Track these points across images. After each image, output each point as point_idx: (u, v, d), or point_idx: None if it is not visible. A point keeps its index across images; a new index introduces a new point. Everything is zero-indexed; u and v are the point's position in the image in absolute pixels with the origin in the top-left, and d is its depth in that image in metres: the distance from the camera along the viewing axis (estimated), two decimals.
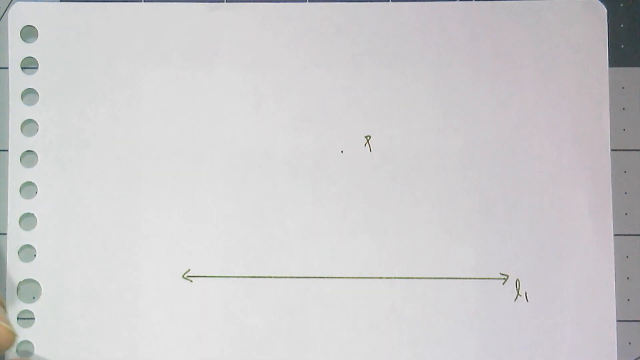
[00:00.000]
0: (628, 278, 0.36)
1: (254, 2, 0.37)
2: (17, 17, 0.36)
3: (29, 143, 0.36)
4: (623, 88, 0.37)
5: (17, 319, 0.35)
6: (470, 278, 0.36)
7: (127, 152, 0.36)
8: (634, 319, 0.36)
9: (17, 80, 0.36)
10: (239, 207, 0.36)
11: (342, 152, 0.36)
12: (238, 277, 0.36)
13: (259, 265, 0.36)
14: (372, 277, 0.36)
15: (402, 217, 0.36)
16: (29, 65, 0.37)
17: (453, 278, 0.36)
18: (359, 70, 0.36)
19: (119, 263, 0.36)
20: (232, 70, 0.36)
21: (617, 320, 0.36)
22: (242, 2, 0.37)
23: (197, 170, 0.36)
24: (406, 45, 0.37)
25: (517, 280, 0.36)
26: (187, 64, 0.36)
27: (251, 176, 0.36)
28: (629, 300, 0.36)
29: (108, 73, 0.36)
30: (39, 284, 0.35)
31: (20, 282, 0.35)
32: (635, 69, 0.37)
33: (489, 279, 0.36)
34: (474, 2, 0.37)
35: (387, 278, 0.36)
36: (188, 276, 0.36)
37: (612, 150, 0.36)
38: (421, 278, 0.36)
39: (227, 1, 0.37)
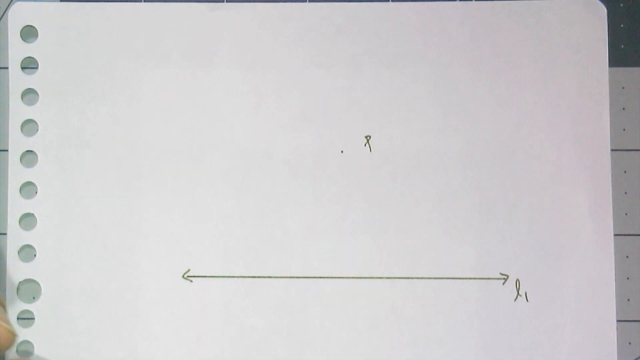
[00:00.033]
0: (628, 278, 0.36)
1: (254, 2, 0.37)
2: (17, 17, 0.36)
3: (29, 143, 0.36)
4: (623, 88, 0.37)
5: (17, 319, 0.35)
6: (470, 278, 0.36)
7: (127, 152, 0.36)
8: (634, 319, 0.36)
9: (17, 80, 0.36)
10: (239, 207, 0.36)
11: (342, 152, 0.36)
12: (238, 277, 0.36)
13: (259, 265, 0.36)
14: (372, 277, 0.36)
15: (402, 217, 0.36)
16: (29, 65, 0.37)
17: (453, 278, 0.36)
18: (359, 70, 0.36)
19: (119, 263, 0.36)
20: (232, 70, 0.36)
21: (617, 320, 0.36)
22: (242, 2, 0.37)
23: (197, 170, 0.36)
24: (406, 45, 0.37)
25: (517, 280, 0.36)
26: (187, 64, 0.36)
27: (251, 176, 0.36)
28: (629, 300, 0.36)
29: (108, 73, 0.36)
30: (39, 284, 0.35)
31: (20, 282, 0.35)
32: (635, 69, 0.37)
33: (489, 279, 0.36)
34: (474, 2, 0.37)
35: (387, 278, 0.36)
36: (188, 276, 0.36)
37: (612, 150, 0.36)
38: (421, 278, 0.36)
39: (227, 1, 0.37)
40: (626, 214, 0.36)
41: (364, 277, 0.36)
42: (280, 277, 0.36)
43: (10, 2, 0.37)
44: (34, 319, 0.35)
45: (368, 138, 0.36)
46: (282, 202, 0.36)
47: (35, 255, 0.36)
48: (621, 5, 0.37)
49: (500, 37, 0.37)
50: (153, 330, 0.35)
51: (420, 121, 0.36)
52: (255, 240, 0.36)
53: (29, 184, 0.36)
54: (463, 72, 0.36)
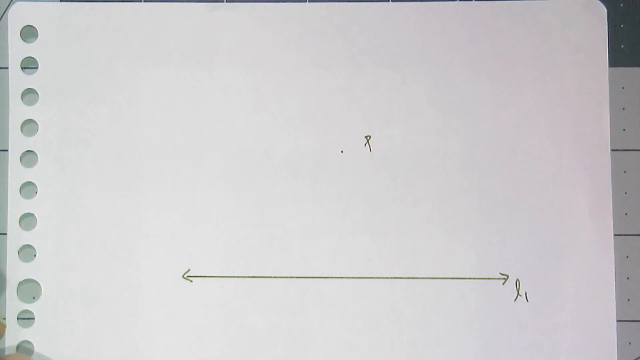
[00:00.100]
0: (628, 278, 0.36)
1: (254, 2, 0.37)
2: (17, 17, 0.36)
3: (29, 143, 0.36)
4: (623, 88, 0.37)
5: (17, 319, 0.35)
6: (470, 278, 0.36)
7: (127, 152, 0.36)
8: (634, 319, 0.36)
9: (17, 80, 0.36)
10: (239, 207, 0.36)
11: (342, 152, 0.36)
12: (238, 277, 0.36)
13: (259, 265, 0.36)
14: (372, 277, 0.36)
15: (402, 217, 0.36)
16: (29, 65, 0.37)
17: (453, 278, 0.36)
18: (359, 70, 0.36)
19: (119, 263, 0.36)
20: (232, 70, 0.36)
21: (617, 320, 0.36)
22: (242, 2, 0.37)
23: (197, 170, 0.36)
24: (406, 45, 0.37)
25: (517, 280, 0.36)
26: (187, 64, 0.36)
27: (251, 176, 0.36)
28: (629, 300, 0.36)
29: (108, 73, 0.36)
30: (39, 284, 0.35)
31: (20, 282, 0.35)
32: (635, 69, 0.37)
33: (489, 279, 0.36)
34: (474, 2, 0.37)
35: (387, 278, 0.36)
36: (188, 276, 0.36)
37: (612, 150, 0.36)
38: (421, 278, 0.36)
39: (227, 1, 0.37)
40: (626, 214, 0.36)
41: (364, 277, 0.36)
42: (280, 277, 0.36)
43: (10, 2, 0.37)
44: (34, 319, 0.35)
45: (368, 138, 0.36)
46: (282, 202, 0.36)
47: (35, 255, 0.36)
48: (621, 5, 0.37)
49: (500, 37, 0.37)
50: (153, 330, 0.35)
51: (420, 121, 0.36)
52: (255, 240, 0.36)
53: (29, 184, 0.36)
54: (463, 72, 0.36)
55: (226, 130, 0.36)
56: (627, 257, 0.36)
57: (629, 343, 0.36)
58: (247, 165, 0.36)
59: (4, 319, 0.35)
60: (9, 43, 0.36)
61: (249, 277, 0.36)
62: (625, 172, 0.37)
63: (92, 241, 0.36)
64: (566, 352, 0.35)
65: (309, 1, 0.37)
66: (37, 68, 0.36)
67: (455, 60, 0.36)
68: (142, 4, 0.37)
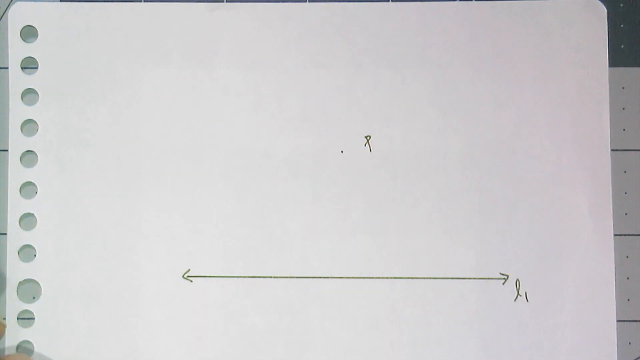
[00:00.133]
0: (628, 278, 0.36)
1: (254, 2, 0.37)
2: (17, 17, 0.36)
3: (29, 143, 0.36)
4: (623, 88, 0.37)
5: (17, 319, 0.35)
6: (470, 278, 0.36)
7: (127, 152, 0.36)
8: (634, 319, 0.36)
9: (17, 80, 0.36)
10: (239, 207, 0.36)
11: (342, 152, 0.36)
12: (238, 277, 0.36)
13: (259, 265, 0.36)
14: (372, 277, 0.36)
15: (402, 217, 0.36)
16: (29, 65, 0.37)
17: (453, 278, 0.36)
18: (359, 70, 0.36)
19: (119, 263, 0.36)
20: (232, 70, 0.36)
21: (617, 320, 0.36)
22: (242, 2, 0.37)
23: (197, 170, 0.36)
24: (406, 45, 0.37)
25: (517, 280, 0.36)
26: (187, 64, 0.36)
27: (251, 176, 0.36)
28: (629, 300, 0.36)
29: (108, 73, 0.36)
30: (39, 284, 0.35)
31: (20, 282, 0.35)
32: (635, 69, 0.37)
33: (489, 279, 0.36)
34: (474, 2, 0.37)
35: (387, 278, 0.36)
36: (188, 276, 0.36)
37: (612, 150, 0.36)
38: (421, 278, 0.36)
39: (227, 1, 0.37)
40: (626, 214, 0.36)
41: (364, 277, 0.36)
42: (280, 277, 0.36)
43: (10, 2, 0.37)
44: (34, 319, 0.35)
45: (368, 138, 0.36)
46: (282, 202, 0.36)
47: (35, 255, 0.36)
48: (621, 5, 0.37)
49: (500, 37, 0.37)
50: (153, 330, 0.35)
51: (420, 121, 0.36)
52: (255, 240, 0.36)
53: (29, 184, 0.36)
54: (463, 72, 0.36)
55: (226, 130, 0.36)
56: (627, 257, 0.36)
57: (629, 343, 0.36)
58: (247, 165, 0.36)
59: (4, 319, 0.35)
60: (9, 43, 0.36)
61: (249, 277, 0.36)
62: (625, 172, 0.37)
63: (92, 241, 0.36)
64: (566, 352, 0.35)
65: (309, 1, 0.37)
66: (37, 68, 0.36)
67: (455, 60, 0.36)
68: (142, 4, 0.37)
